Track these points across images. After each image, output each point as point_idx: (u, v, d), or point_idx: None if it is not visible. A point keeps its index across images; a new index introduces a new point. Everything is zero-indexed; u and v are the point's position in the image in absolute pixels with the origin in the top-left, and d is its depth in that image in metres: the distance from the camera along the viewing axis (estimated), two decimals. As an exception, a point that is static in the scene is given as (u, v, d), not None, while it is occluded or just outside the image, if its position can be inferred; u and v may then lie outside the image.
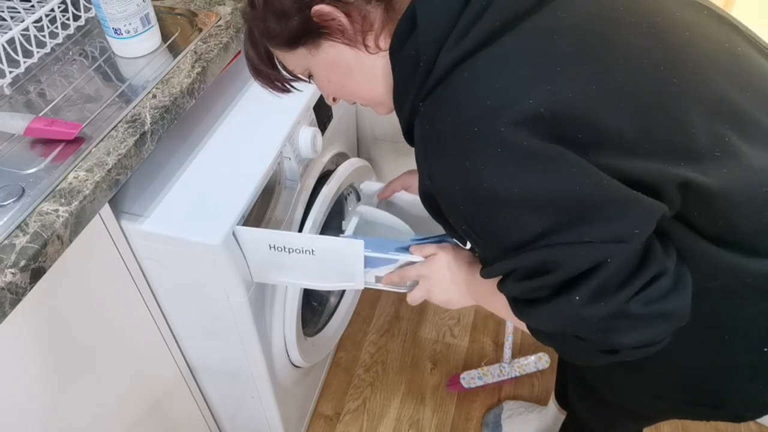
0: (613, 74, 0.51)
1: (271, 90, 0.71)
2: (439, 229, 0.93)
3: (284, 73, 0.68)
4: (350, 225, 0.95)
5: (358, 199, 1.16)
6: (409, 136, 0.65)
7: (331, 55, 0.62)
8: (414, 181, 0.97)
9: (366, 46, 0.60)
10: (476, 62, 0.52)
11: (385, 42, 0.60)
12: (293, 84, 0.70)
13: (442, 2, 0.55)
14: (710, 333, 0.62)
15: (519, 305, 0.61)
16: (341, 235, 0.93)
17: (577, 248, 0.52)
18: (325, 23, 0.59)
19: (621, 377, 0.74)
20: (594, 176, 0.50)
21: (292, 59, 0.65)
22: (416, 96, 0.58)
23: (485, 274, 0.62)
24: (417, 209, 1.01)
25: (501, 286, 0.62)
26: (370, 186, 1.06)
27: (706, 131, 0.52)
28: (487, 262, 0.62)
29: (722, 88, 0.54)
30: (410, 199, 1.00)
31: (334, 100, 0.72)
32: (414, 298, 0.82)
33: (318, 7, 0.57)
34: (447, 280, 0.78)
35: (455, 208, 0.58)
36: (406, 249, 0.82)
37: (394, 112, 0.69)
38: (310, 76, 0.67)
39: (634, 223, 0.51)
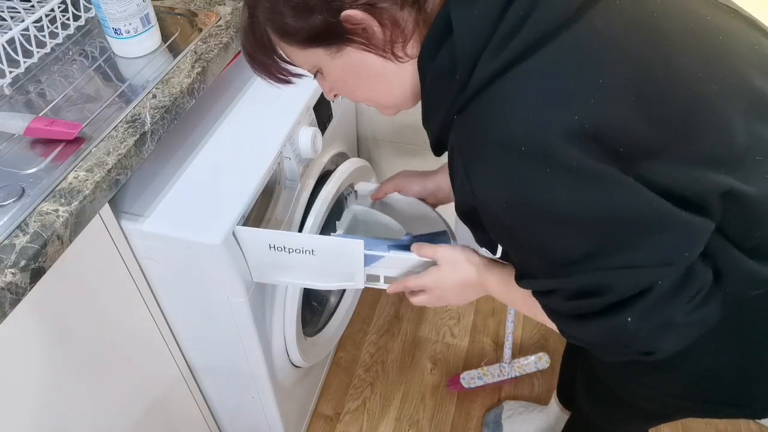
0: (653, 83, 0.51)
1: (269, 81, 0.66)
2: (432, 228, 0.94)
3: (286, 65, 0.64)
4: (344, 224, 0.95)
5: (358, 199, 1.16)
6: (438, 148, 0.64)
7: (354, 59, 0.58)
8: (406, 183, 0.97)
9: (395, 55, 0.57)
10: (517, 75, 0.51)
11: (412, 49, 0.58)
12: (295, 75, 0.66)
13: (479, 11, 0.52)
14: (740, 334, 0.62)
15: (561, 317, 0.61)
16: (334, 233, 0.93)
17: (628, 273, 0.52)
18: (355, 29, 0.55)
19: (641, 378, 0.74)
20: (644, 197, 0.50)
21: (302, 56, 0.60)
22: (450, 108, 0.56)
23: (525, 285, 0.62)
24: (410, 209, 1.01)
25: (541, 299, 0.61)
26: (365, 186, 1.06)
27: (747, 135, 0.52)
28: (527, 274, 0.61)
29: (759, 90, 0.54)
30: (403, 200, 1.00)
31: (335, 96, 0.69)
32: (417, 301, 0.81)
33: (350, 12, 0.53)
34: (457, 284, 0.77)
35: (500, 224, 0.57)
36: (397, 247, 0.82)
37: (400, 114, 0.67)
38: (316, 73, 0.63)
39: (685, 245, 0.52)
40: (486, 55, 0.52)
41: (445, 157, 0.64)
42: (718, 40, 0.55)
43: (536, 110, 0.50)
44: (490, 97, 0.52)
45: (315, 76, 0.65)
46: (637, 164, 0.50)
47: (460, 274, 0.77)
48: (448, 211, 0.96)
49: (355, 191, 1.07)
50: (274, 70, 0.64)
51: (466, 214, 0.62)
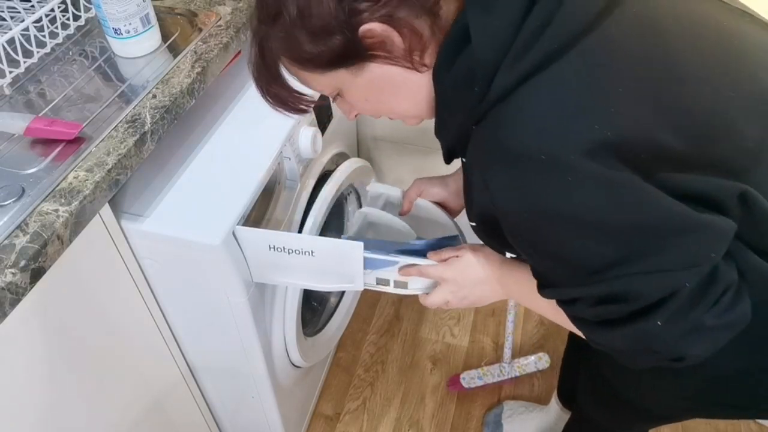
0: (671, 90, 0.51)
1: (285, 112, 0.64)
2: (443, 233, 0.93)
3: (301, 94, 0.63)
4: (354, 225, 0.95)
5: (358, 199, 1.16)
6: (449, 156, 0.64)
7: (377, 74, 0.57)
8: (426, 186, 0.96)
9: (415, 66, 0.56)
10: (537, 84, 0.50)
11: (429, 58, 0.57)
12: (313, 102, 0.65)
13: (498, 20, 0.52)
14: (758, 337, 0.62)
15: (587, 325, 0.60)
16: (343, 236, 0.93)
17: (654, 278, 0.52)
18: (375, 43, 0.54)
19: (651, 380, 0.73)
20: (665, 202, 0.50)
21: (323, 80, 0.59)
22: (467, 117, 0.56)
23: (547, 294, 0.61)
24: (422, 213, 1.00)
25: (565, 307, 0.61)
26: (377, 188, 1.04)
27: (760, 139, 0.52)
28: (549, 283, 0.60)
29: None
30: (418, 203, 1.00)
31: (357, 116, 0.68)
32: (433, 301, 0.80)
33: (368, 26, 0.52)
34: (477, 280, 0.76)
35: (522, 233, 0.57)
36: (408, 252, 0.81)
37: (421, 122, 0.67)
38: (336, 96, 0.62)
39: (709, 246, 0.52)
40: (506, 65, 0.51)
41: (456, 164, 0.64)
42: (733, 45, 0.55)
43: (557, 120, 0.49)
44: (510, 106, 0.52)
45: (334, 100, 0.63)
46: (655, 170, 0.50)
47: (482, 266, 0.75)
48: (462, 219, 0.96)
49: (356, 191, 1.07)
50: (290, 101, 0.63)
51: (484, 224, 0.62)
